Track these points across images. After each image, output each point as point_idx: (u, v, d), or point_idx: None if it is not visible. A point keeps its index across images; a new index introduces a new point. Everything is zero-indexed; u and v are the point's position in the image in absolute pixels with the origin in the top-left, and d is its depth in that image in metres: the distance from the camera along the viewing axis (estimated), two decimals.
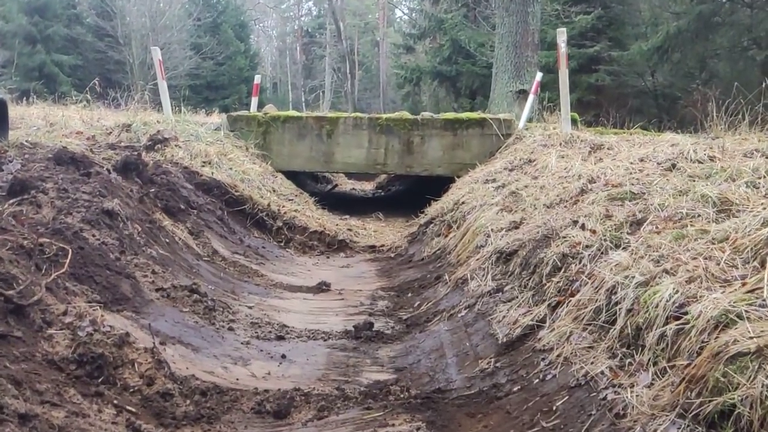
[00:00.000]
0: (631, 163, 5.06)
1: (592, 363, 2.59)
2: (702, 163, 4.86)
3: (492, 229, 4.53)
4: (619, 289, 2.77)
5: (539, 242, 3.81)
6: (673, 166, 4.72)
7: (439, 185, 7.88)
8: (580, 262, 3.25)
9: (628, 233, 3.34)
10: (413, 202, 8.53)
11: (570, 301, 3.11)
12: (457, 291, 4.23)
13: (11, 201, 3.95)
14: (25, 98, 16.57)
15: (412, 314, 4.28)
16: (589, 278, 3.08)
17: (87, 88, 9.09)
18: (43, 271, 3.21)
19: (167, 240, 4.68)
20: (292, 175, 7.99)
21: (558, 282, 3.29)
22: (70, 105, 10.86)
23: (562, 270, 3.34)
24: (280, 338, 3.79)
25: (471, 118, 7.35)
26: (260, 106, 9.53)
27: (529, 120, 8.93)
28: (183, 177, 5.84)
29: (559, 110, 11.56)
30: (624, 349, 2.57)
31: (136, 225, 4.40)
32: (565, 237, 3.61)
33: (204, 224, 5.36)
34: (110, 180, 4.66)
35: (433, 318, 3.98)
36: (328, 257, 5.96)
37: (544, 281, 3.40)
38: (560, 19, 15.49)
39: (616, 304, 2.75)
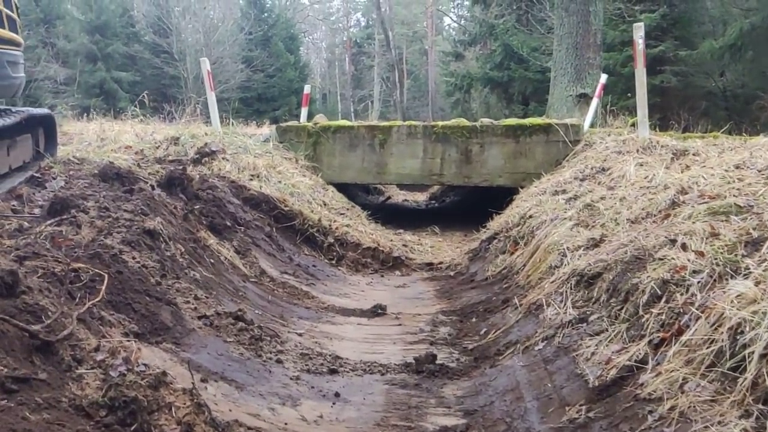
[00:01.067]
0: (726, 170, 4.48)
1: (719, 423, 2.07)
2: None
3: (567, 248, 4.03)
4: (747, 328, 2.25)
5: (629, 264, 3.29)
6: None
7: (499, 196, 7.38)
8: (687, 291, 2.73)
9: (744, 256, 2.80)
10: (471, 214, 8.05)
11: (678, 338, 2.59)
12: (530, 318, 3.74)
13: (50, 221, 3.71)
14: (85, 114, 16.94)
15: (479, 344, 3.81)
16: (702, 312, 2.55)
17: (136, 102, 9.01)
18: (77, 300, 2.92)
19: (212, 260, 4.37)
20: (343, 188, 7.64)
21: (659, 314, 2.77)
22: (127, 120, 10.97)
23: (664, 300, 2.82)
24: (333, 372, 3.40)
25: (534, 123, 6.82)
26: (310, 116, 9.26)
27: (592, 125, 8.34)
28: (230, 191, 5.55)
29: (626, 114, 10.85)
30: (761, 406, 2.05)
31: (178, 245, 4.10)
32: (662, 259, 3.08)
33: (251, 242, 5.05)
34: (153, 197, 4.39)
35: (504, 350, 3.50)
36: (382, 276, 5.56)
37: (640, 312, 2.88)
38: (623, 18, 14.73)
39: (744, 347, 2.22)
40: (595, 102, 9.12)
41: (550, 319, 3.47)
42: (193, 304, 3.59)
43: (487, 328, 4.04)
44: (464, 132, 6.99)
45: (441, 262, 5.74)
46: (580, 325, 3.25)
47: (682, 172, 4.91)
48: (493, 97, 25.54)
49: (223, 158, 6.28)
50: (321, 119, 7.87)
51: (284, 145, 7.55)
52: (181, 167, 5.11)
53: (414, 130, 7.18)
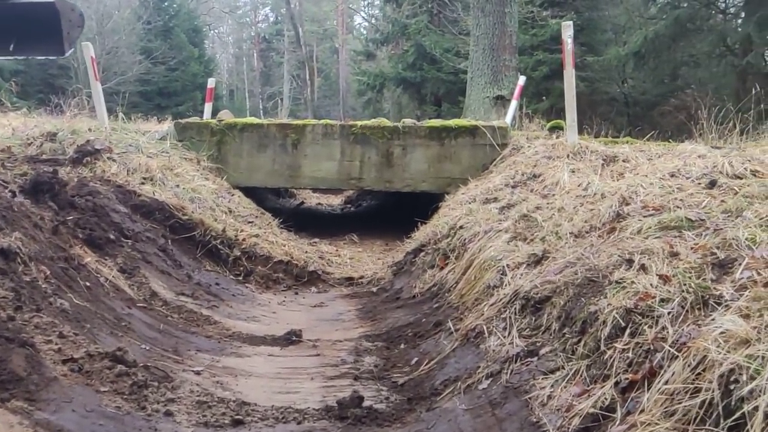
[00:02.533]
0: (662, 178, 4.24)
1: None
2: (743, 178, 4.08)
3: (507, 265, 3.61)
4: (744, 377, 1.88)
5: (582, 288, 2.90)
6: (713, 183, 3.93)
7: (420, 199, 6.98)
8: (656, 324, 2.35)
9: (713, 280, 2.47)
10: (391, 220, 7.58)
11: (651, 382, 2.20)
12: (468, 348, 3.28)
13: None
14: None
15: (411, 377, 3.31)
16: (679, 350, 2.17)
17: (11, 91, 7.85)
18: None
19: (88, 283, 3.61)
20: (252, 192, 6.94)
21: (625, 350, 2.37)
22: (7, 112, 9.76)
23: (629, 332, 2.43)
24: (238, 423, 2.77)
25: (461, 125, 6.43)
26: (215, 113, 8.45)
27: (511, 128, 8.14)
28: (116, 198, 4.75)
29: (540, 118, 10.78)
30: None
31: (43, 267, 3.32)
32: (620, 283, 2.71)
33: (141, 258, 4.29)
34: (11, 206, 3.56)
35: (442, 388, 3.02)
36: (296, 293, 4.95)
37: (602, 347, 2.48)
38: (533, 22, 14.86)
39: (742, 400, 1.84)
40: (513, 104, 8.93)
41: (493, 350, 3.03)
42: (56, 343, 2.84)
43: (418, 357, 3.55)
44: (385, 133, 6.49)
45: (362, 276, 5.21)
46: (530, 359, 2.81)
47: (615, 179, 4.67)
48: (405, 97, 25.42)
49: (109, 158, 5.43)
50: (226, 116, 7.13)
51: (184, 144, 6.74)
52: (51, 169, 4.27)
53: (331, 130, 6.60)
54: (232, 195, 6.15)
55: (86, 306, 3.39)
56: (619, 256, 2.98)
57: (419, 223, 5.62)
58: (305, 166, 6.68)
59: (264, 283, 4.94)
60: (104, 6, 31.19)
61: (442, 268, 4.47)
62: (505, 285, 3.50)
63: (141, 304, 3.84)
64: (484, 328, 3.23)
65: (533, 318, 3.05)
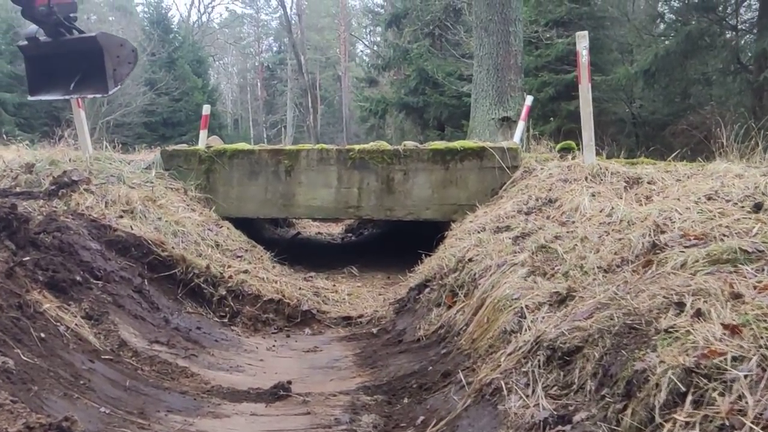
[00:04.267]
0: (697, 202, 3.76)
1: None
2: None
3: (526, 306, 3.11)
4: None
5: (621, 337, 2.39)
6: (759, 206, 3.44)
7: (426, 230, 6.49)
8: (729, 391, 1.84)
9: None
10: (393, 250, 7.10)
11: None
12: (484, 407, 2.76)
13: None
14: None
15: None
16: (766, 430, 1.67)
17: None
18: None
19: (42, 334, 3.12)
20: (244, 223, 6.47)
21: (689, 425, 1.86)
22: (10, 145, 9.51)
23: (691, 400, 1.92)
24: None
25: (467, 147, 5.96)
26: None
27: None
28: (88, 233, 4.29)
29: (548, 139, 10.33)
30: None
31: None
32: (671, 332, 2.21)
33: (111, 301, 3.80)
34: None
35: None
36: (288, 336, 4.44)
37: (657, 418, 1.97)
38: (540, 42, 14.55)
39: None
40: (521, 125, 8.52)
41: (515, 413, 2.51)
42: None
43: (424, 415, 3.03)
44: (385, 157, 6.03)
45: (361, 315, 4.70)
46: (561, 427, 2.29)
47: (643, 204, 4.18)
48: (408, 122, 25.18)
49: (86, 189, 4.99)
50: (215, 142, 6.71)
51: (171, 173, 6.31)
52: (9, 203, 3.81)
53: (326, 155, 6.15)
54: (220, 227, 5.69)
55: (36, 363, 2.90)
56: (664, 297, 2.48)
57: (423, 255, 5.12)
58: (300, 194, 6.22)
59: (252, 325, 4.44)
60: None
61: (449, 307, 3.97)
62: (525, 330, 2.99)
63: (106, 356, 3.34)
64: (502, 383, 2.71)
65: (562, 373, 2.54)
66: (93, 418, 2.74)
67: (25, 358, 2.85)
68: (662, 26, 14.38)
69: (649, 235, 3.24)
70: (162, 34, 35.81)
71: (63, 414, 2.56)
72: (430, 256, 5.11)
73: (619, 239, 3.47)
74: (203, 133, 7.95)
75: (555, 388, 2.51)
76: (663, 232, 3.28)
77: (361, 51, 49.07)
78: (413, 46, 22.13)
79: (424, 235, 6.07)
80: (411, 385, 3.41)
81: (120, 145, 9.36)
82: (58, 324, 3.32)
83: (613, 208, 4.09)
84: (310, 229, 10.36)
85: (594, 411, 2.25)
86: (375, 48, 37.28)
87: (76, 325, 3.40)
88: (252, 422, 3.07)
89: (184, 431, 2.90)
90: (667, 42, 12.61)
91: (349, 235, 9.59)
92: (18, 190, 5.23)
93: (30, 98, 3.97)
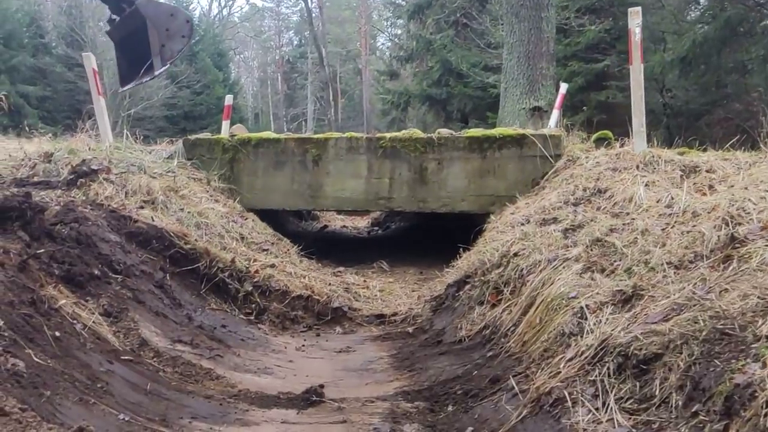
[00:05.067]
0: None
1: None
2: None
3: (586, 306, 2.79)
4: None
5: (712, 344, 2.07)
6: None
7: (459, 223, 6.17)
8: None
9: None
10: (424, 244, 6.80)
11: None
12: (544, 420, 2.46)
13: None
14: None
15: None
16: None
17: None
18: None
19: (58, 333, 2.88)
20: (269, 215, 6.21)
21: None
22: (33, 138, 9.40)
23: None
24: None
25: (506, 135, 5.62)
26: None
27: None
28: (107, 225, 4.05)
29: (581, 130, 9.94)
30: None
31: None
32: None
33: (131, 297, 3.56)
34: None
35: None
36: (318, 334, 4.17)
37: None
38: (572, 28, 14.09)
39: None
40: (555, 114, 8.13)
41: (584, 428, 2.20)
42: None
43: (473, 425, 2.73)
44: (418, 145, 5.71)
45: (395, 313, 4.42)
46: None
47: (705, 194, 3.82)
48: (430, 115, 24.79)
49: (105, 179, 4.76)
50: (240, 130, 6.45)
51: (193, 162, 6.07)
52: (23, 192, 3.59)
53: (356, 144, 5.86)
54: (245, 219, 5.44)
55: (50, 365, 2.66)
56: (759, 297, 2.15)
57: (461, 249, 4.81)
58: (327, 185, 5.93)
59: (280, 323, 4.18)
60: None
61: (494, 306, 3.66)
62: (586, 333, 2.68)
63: (126, 357, 3.10)
64: (566, 393, 2.40)
65: (637, 384, 2.22)
66: (111, 426, 2.50)
67: (37, 360, 2.61)
68: (697, 13, 13.80)
69: (724, 227, 2.90)
70: None
71: (78, 423, 2.32)
72: (466, 250, 4.80)
73: (687, 232, 3.13)
74: (226, 124, 7.70)
75: (630, 400, 2.20)
76: (739, 224, 2.93)
77: (382, 44, 48.73)
78: (437, 37, 21.72)
79: (457, 228, 5.76)
80: (455, 390, 3.11)
81: (141, 138, 9.18)
82: (75, 321, 3.08)
83: (672, 198, 3.74)
84: (335, 222, 10.09)
85: (684, 430, 1.93)
86: (397, 40, 36.92)
87: (93, 322, 3.17)
88: (284, 431, 2.81)
89: None
90: (705, 28, 12.05)
91: (376, 228, 9.29)
92: (35, 179, 5.03)
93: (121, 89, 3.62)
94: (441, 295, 4.27)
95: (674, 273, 2.75)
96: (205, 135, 6.64)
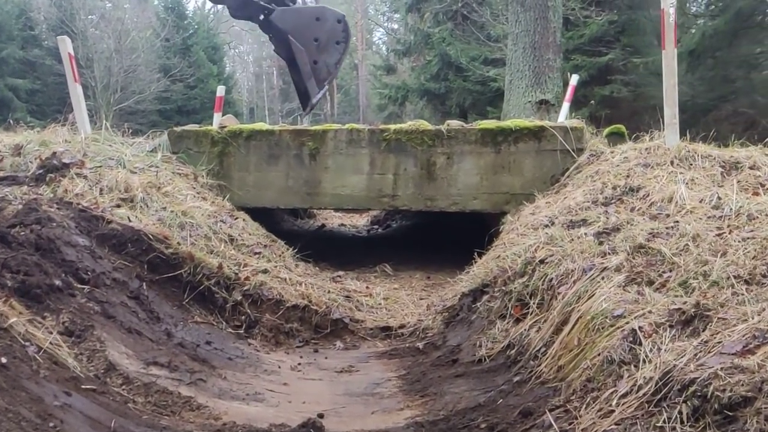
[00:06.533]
0: None
1: None
2: None
3: (640, 327, 2.32)
4: None
5: None
6: None
7: (468, 222, 5.71)
8: None
9: None
10: (430, 245, 6.33)
11: None
12: None
13: None
14: None
15: None
16: None
17: None
18: None
19: (4, 359, 2.40)
20: (264, 213, 5.73)
21: None
22: (21, 131, 8.89)
23: None
24: None
25: (522, 127, 5.13)
26: None
27: None
28: (75, 226, 3.56)
29: (588, 124, 9.49)
30: None
31: None
32: None
33: (99, 312, 3.08)
34: None
35: None
36: (316, 350, 3.70)
37: None
38: (577, 19, 13.65)
39: None
40: (565, 107, 7.68)
41: None
42: None
43: None
44: (425, 138, 5.22)
45: (402, 325, 3.94)
46: None
47: (757, 193, 3.37)
48: (428, 110, 24.32)
49: (77, 174, 4.27)
50: (230, 121, 5.96)
51: (179, 156, 5.57)
52: None
53: (357, 137, 5.37)
54: (235, 219, 4.95)
55: None
56: None
57: (474, 252, 4.34)
58: (326, 181, 5.44)
59: (273, 337, 3.70)
60: (122, 24, 30.79)
61: (518, 321, 3.19)
62: (642, 362, 2.21)
63: (88, 386, 2.61)
64: None
65: None
66: None
67: None
68: (702, 6, 13.34)
69: None
70: (176, 19, 35.13)
71: None
72: (477, 252, 4.32)
73: (748, 238, 2.67)
74: (217, 116, 7.20)
75: None
76: None
77: (379, 38, 48.21)
78: (435, 30, 21.26)
79: (466, 229, 5.29)
80: (478, 424, 2.64)
81: (129, 132, 8.68)
82: (27, 344, 2.59)
83: (719, 197, 3.28)
84: (333, 220, 9.60)
85: None
86: (394, 34, 36.38)
87: (50, 344, 2.68)
88: None
89: None
90: (715, 20, 11.60)
91: (375, 227, 8.81)
92: (1, 174, 4.53)
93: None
94: (455, 305, 3.80)
95: (746, 289, 2.29)
96: (192, 126, 6.14)
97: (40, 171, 4.37)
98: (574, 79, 7.97)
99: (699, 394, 1.87)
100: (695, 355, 2.07)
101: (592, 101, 13.55)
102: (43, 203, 3.64)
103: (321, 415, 2.79)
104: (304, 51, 2.71)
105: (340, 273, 5.05)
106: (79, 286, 3.15)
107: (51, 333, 2.74)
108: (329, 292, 4.28)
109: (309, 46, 2.71)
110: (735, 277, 2.38)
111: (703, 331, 2.17)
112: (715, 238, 2.80)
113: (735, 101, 13.81)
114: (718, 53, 12.19)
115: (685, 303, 2.36)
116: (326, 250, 5.93)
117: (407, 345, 3.70)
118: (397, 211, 7.45)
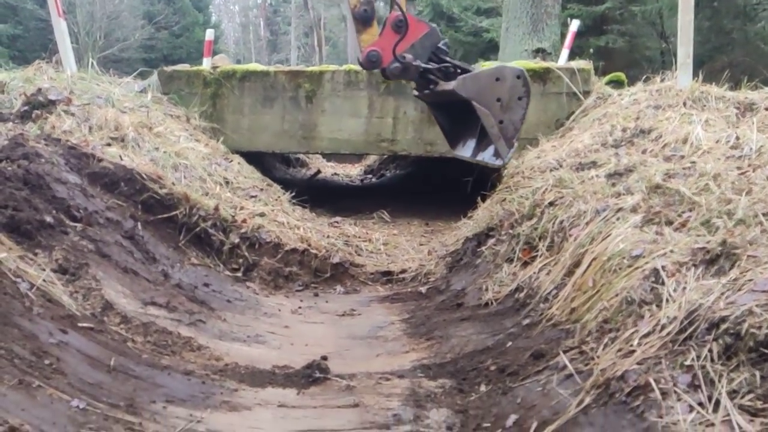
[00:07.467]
0: None
1: None
2: None
3: (663, 267, 2.24)
4: None
5: None
6: None
7: (465, 169, 5.57)
8: None
9: None
10: (427, 193, 6.22)
11: None
12: (618, 413, 1.92)
13: None
14: None
15: None
16: None
17: None
18: None
19: None
20: (256, 158, 5.56)
21: None
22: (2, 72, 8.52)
23: None
24: None
25: (527, 68, 4.87)
26: None
27: None
28: (64, 163, 3.40)
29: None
30: None
31: None
32: None
33: (94, 250, 2.95)
34: None
35: None
36: (316, 294, 3.62)
37: None
38: None
39: None
40: (565, 54, 7.45)
41: (686, 431, 1.67)
42: None
43: (516, 412, 2.21)
44: None
45: (403, 270, 3.86)
46: None
47: None
48: None
49: (65, 111, 4.07)
50: (223, 62, 5.71)
51: (170, 97, 5.36)
52: None
53: (355, 78, 5.17)
54: (230, 161, 4.79)
55: None
56: None
57: (477, 198, 4.23)
58: (323, 124, 5.27)
59: (272, 281, 3.60)
60: None
61: (526, 264, 3.11)
62: (666, 301, 2.13)
63: (85, 324, 2.51)
64: (650, 380, 1.86)
65: (757, 374, 1.69)
66: (60, 417, 1.94)
67: None
68: None
69: None
70: None
71: (12, 416, 1.76)
72: (487, 198, 4.22)
73: None
74: (206, 61, 6.93)
75: (750, 395, 1.67)
76: None
77: None
78: None
79: (464, 175, 5.16)
80: (487, 366, 2.58)
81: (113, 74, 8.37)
82: (19, 280, 2.47)
83: (738, 138, 3.18)
84: (326, 169, 9.43)
85: None
86: None
87: (44, 281, 2.56)
88: (282, 417, 2.26)
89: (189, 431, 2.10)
90: None
91: (369, 176, 8.66)
92: None
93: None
94: (458, 250, 3.71)
95: None
96: (183, 66, 5.89)
97: (26, 107, 4.16)
98: (574, 25, 7.72)
99: (732, 331, 1.80)
100: (722, 293, 1.99)
101: (590, 50, 13.29)
102: (30, 139, 3.46)
103: (325, 358, 2.72)
104: (489, 114, 2.66)
105: (338, 218, 4.94)
106: (72, 224, 3.01)
107: (44, 270, 2.62)
108: (328, 236, 4.17)
109: (494, 109, 2.66)
110: (764, 214, 2.29)
111: (731, 269, 2.09)
112: (737, 177, 2.71)
113: (730, 53, 13.63)
114: (716, 2, 11.96)
115: (708, 242, 2.28)
116: (321, 197, 5.80)
117: (409, 289, 3.62)
118: (396, 157, 7.29)
